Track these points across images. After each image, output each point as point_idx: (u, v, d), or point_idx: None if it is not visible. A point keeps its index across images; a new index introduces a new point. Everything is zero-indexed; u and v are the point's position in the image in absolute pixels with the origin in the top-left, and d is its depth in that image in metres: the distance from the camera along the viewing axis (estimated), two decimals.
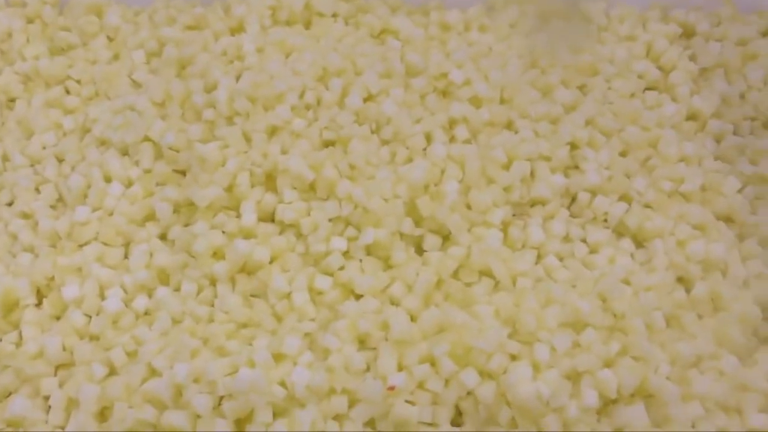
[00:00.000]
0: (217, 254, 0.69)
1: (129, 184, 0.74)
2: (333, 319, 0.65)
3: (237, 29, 0.85)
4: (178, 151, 0.74)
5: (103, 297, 0.68)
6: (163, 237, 0.72)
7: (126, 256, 0.71)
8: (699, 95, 0.79)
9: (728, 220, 0.72)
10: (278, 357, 0.62)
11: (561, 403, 0.59)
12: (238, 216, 0.70)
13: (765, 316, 0.67)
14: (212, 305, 0.67)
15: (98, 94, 0.82)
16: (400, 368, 0.61)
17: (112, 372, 0.64)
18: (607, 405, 0.61)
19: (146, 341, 0.64)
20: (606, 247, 0.70)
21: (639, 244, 0.71)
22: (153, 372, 0.63)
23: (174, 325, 0.66)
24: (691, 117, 0.79)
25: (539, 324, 0.62)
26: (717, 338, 0.65)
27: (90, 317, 0.67)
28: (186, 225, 0.72)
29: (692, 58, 0.82)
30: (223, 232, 0.70)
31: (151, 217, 0.73)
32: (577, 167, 0.73)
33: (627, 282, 0.67)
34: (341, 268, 0.68)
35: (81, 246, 0.71)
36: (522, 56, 0.81)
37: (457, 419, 0.62)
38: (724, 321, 0.65)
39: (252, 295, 0.68)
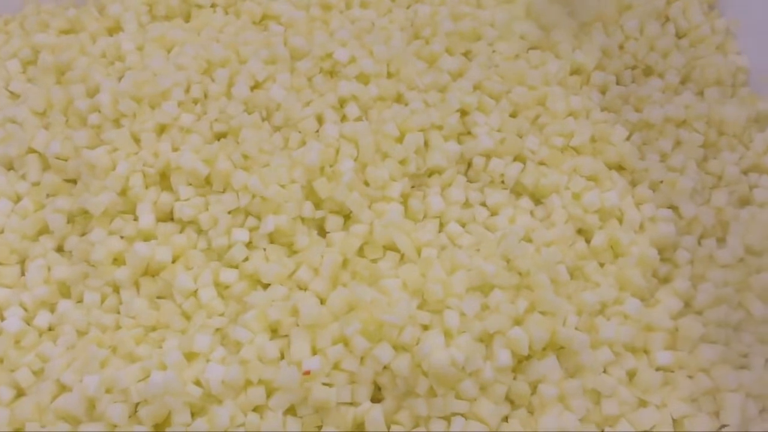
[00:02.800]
0: (118, 260, 0.68)
1: (17, 199, 0.72)
2: (242, 311, 0.64)
3: (114, 29, 0.83)
4: (65, 160, 0.72)
5: (1, 318, 0.66)
6: (59, 249, 0.70)
7: (23, 273, 0.69)
8: (581, 50, 0.80)
9: (619, 168, 0.74)
10: (190, 356, 0.62)
11: (476, 366, 0.60)
12: (135, 219, 0.69)
13: (662, 256, 0.69)
14: (118, 312, 0.66)
15: None
16: (314, 352, 0.61)
17: (20, 393, 0.63)
18: (521, 362, 0.63)
19: (52, 357, 0.63)
20: (506, 208, 0.71)
21: (537, 201, 0.73)
22: (63, 388, 0.61)
23: (80, 338, 0.64)
24: (575, 71, 0.80)
25: (447, 291, 0.63)
26: (619, 283, 0.67)
27: None
28: (82, 234, 0.70)
29: (571, 14, 0.83)
30: (122, 237, 0.68)
31: (44, 230, 0.71)
32: (469, 133, 0.74)
33: (528, 239, 0.68)
34: (245, 260, 0.67)
35: None
36: (404, 29, 0.82)
37: (377, 395, 0.63)
38: (624, 266, 0.67)
39: (158, 297, 0.67)
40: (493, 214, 0.71)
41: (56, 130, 0.74)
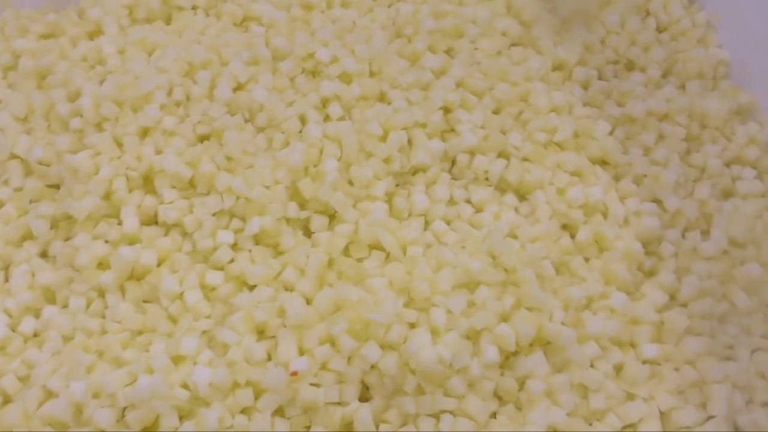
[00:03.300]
0: (103, 264, 0.67)
1: (0, 205, 0.71)
2: (228, 313, 0.64)
3: (95, 33, 0.83)
4: (48, 165, 0.72)
5: None
6: (43, 255, 0.70)
7: (6, 280, 0.69)
8: (562, 45, 0.80)
9: (603, 163, 0.75)
10: (177, 359, 0.61)
11: (463, 363, 0.60)
12: (120, 223, 0.69)
13: (647, 249, 0.69)
14: (103, 317, 0.66)
15: None
16: (301, 352, 0.61)
17: (7, 400, 0.62)
18: (508, 358, 0.63)
19: (38, 363, 0.62)
20: (490, 205, 0.71)
21: (521, 197, 0.73)
22: (49, 394, 0.61)
23: (66, 343, 0.64)
24: (557, 67, 0.80)
25: (433, 289, 0.63)
26: (605, 277, 0.67)
27: None
28: (66, 239, 0.70)
29: (552, 10, 0.83)
30: (106, 241, 0.68)
31: (28, 236, 0.70)
32: (453, 130, 0.74)
33: (514, 236, 0.68)
34: (231, 261, 0.67)
35: None
36: (386, 27, 0.82)
37: (364, 394, 0.63)
38: (609, 260, 0.67)
39: (144, 301, 0.67)
40: (478, 210, 0.71)
41: (38, 135, 0.73)
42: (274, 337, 0.62)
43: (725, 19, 0.84)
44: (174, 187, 0.70)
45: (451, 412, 0.60)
